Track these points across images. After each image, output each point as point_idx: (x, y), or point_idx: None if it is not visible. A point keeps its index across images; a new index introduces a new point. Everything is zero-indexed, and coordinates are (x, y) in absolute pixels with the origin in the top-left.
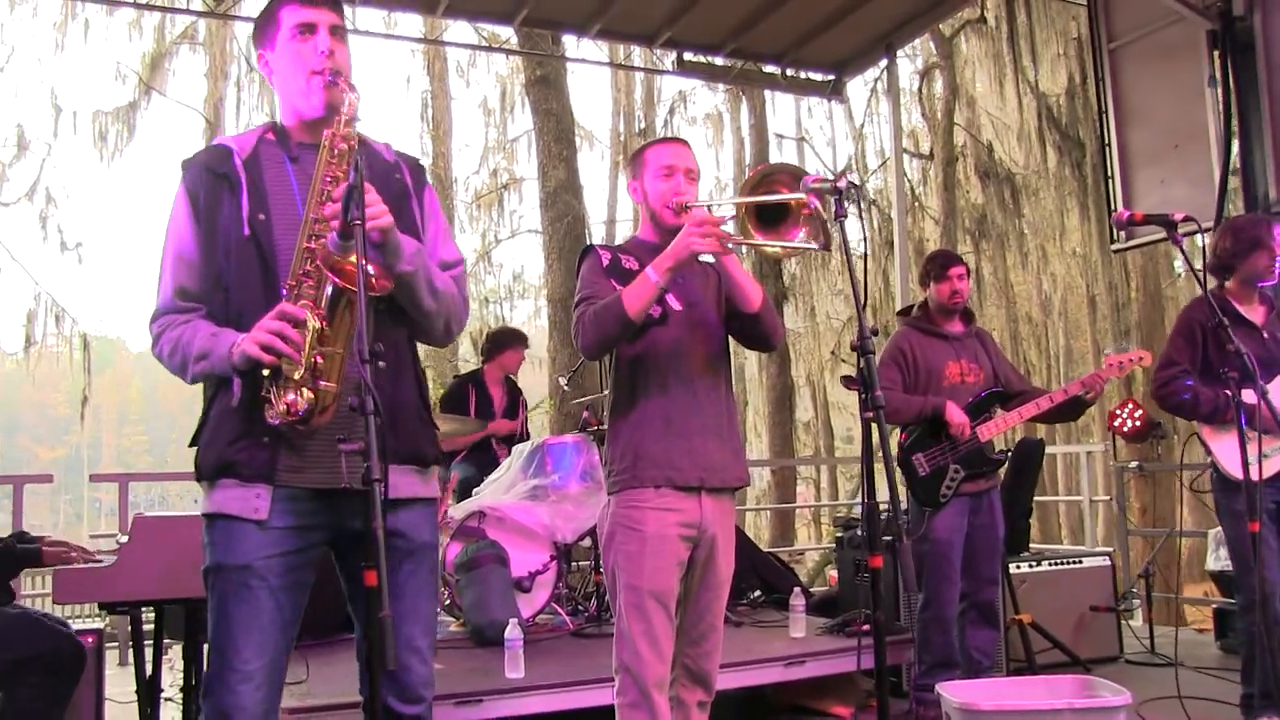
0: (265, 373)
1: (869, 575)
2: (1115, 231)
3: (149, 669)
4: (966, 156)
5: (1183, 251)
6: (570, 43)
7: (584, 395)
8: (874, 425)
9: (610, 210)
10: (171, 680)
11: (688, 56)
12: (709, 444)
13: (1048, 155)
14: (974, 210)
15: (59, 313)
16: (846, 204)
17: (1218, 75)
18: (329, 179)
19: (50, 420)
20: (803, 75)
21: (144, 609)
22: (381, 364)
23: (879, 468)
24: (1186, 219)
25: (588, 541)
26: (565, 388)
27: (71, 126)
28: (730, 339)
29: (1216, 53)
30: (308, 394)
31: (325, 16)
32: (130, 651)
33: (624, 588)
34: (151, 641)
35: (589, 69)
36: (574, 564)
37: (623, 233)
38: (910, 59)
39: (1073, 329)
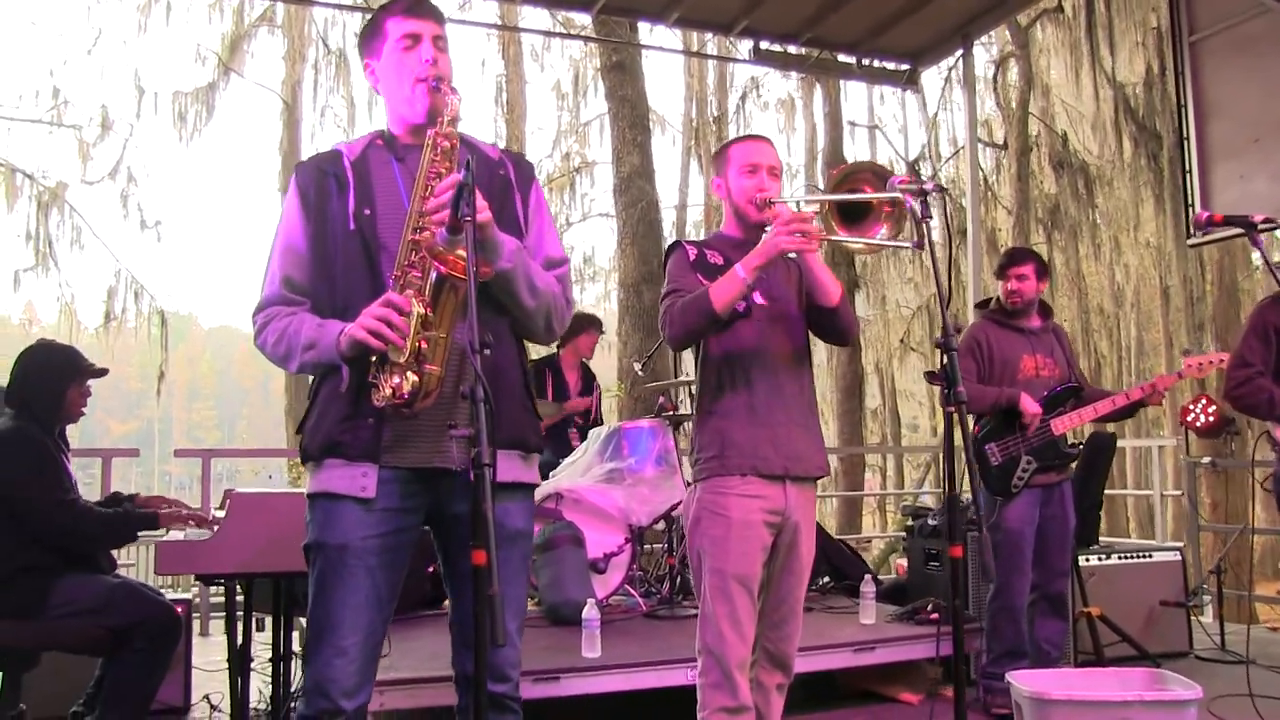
0: (373, 359)
1: (949, 564)
2: (1192, 225)
3: (239, 640)
4: (1040, 146)
5: (1262, 252)
6: (643, 29)
7: (656, 380)
8: (955, 419)
9: (681, 195)
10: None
11: (764, 45)
12: (793, 434)
13: (1123, 146)
14: (1047, 200)
15: (138, 289)
16: (931, 205)
17: None
18: (432, 174)
19: (123, 394)
20: (878, 65)
21: (236, 582)
22: (487, 351)
23: (960, 461)
24: (1266, 220)
25: (661, 525)
26: (640, 372)
27: (153, 107)
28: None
29: None
30: (412, 377)
31: (429, 27)
32: (208, 622)
33: (709, 571)
34: (241, 613)
35: (658, 54)
36: (647, 546)
37: (693, 218)
38: (985, 48)
39: (1145, 321)
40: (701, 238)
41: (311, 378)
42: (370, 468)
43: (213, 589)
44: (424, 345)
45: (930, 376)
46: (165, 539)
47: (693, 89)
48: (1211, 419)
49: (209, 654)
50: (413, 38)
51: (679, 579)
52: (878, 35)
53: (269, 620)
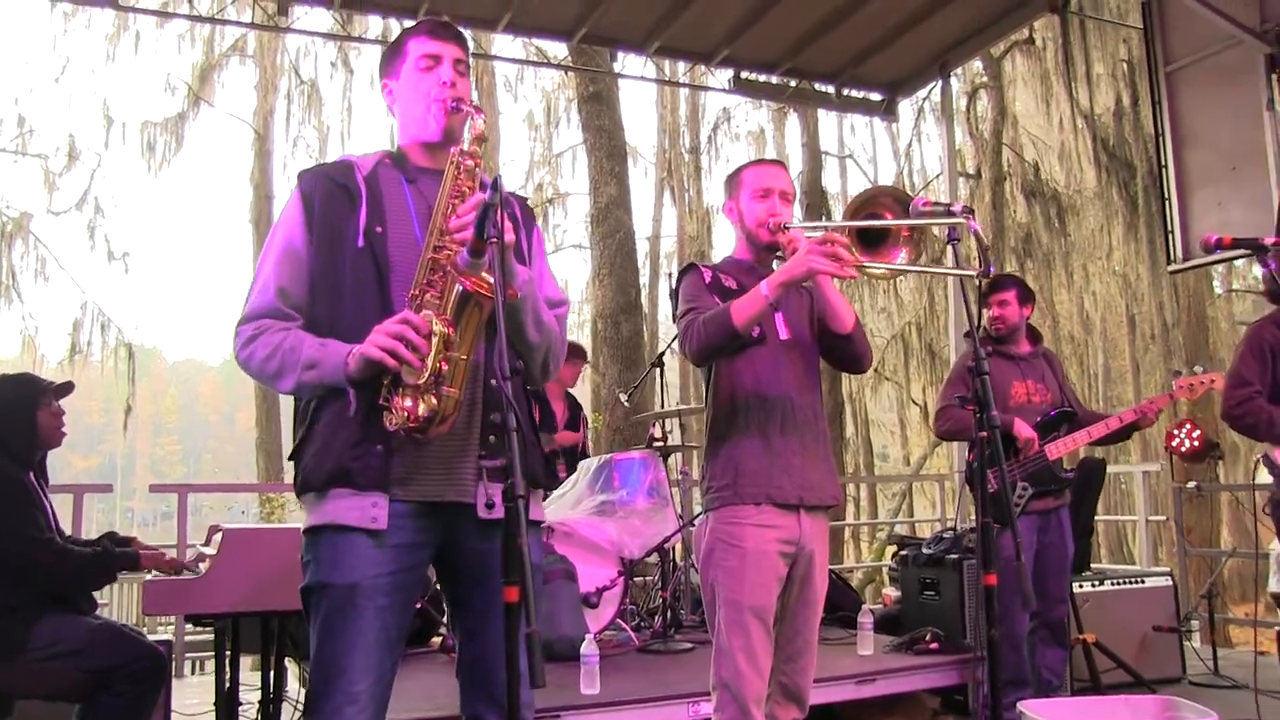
0: (386, 380)
1: (982, 593)
2: (1172, 252)
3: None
4: (1013, 176)
5: (1274, 275)
6: (618, 59)
7: (640, 410)
8: (987, 445)
9: (655, 226)
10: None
11: (744, 75)
12: (806, 462)
13: (1094, 176)
14: (1019, 229)
15: (104, 322)
16: (958, 229)
17: (1276, 98)
18: (455, 193)
19: (86, 428)
20: (856, 94)
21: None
22: (493, 382)
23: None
24: (1277, 243)
25: (654, 557)
26: (625, 403)
27: (121, 136)
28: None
29: (1275, 75)
30: (431, 400)
31: (450, 50)
32: (183, 664)
33: (724, 604)
34: (229, 654)
35: (629, 85)
36: (638, 579)
37: (665, 249)
38: (958, 79)
39: (1111, 348)
40: (713, 261)
41: (303, 402)
42: (380, 498)
43: (189, 629)
44: (444, 366)
45: (962, 401)
46: (152, 579)
47: (665, 120)
48: (1196, 444)
49: (186, 697)
50: (433, 58)
51: (671, 613)
52: (856, 65)
53: (247, 662)
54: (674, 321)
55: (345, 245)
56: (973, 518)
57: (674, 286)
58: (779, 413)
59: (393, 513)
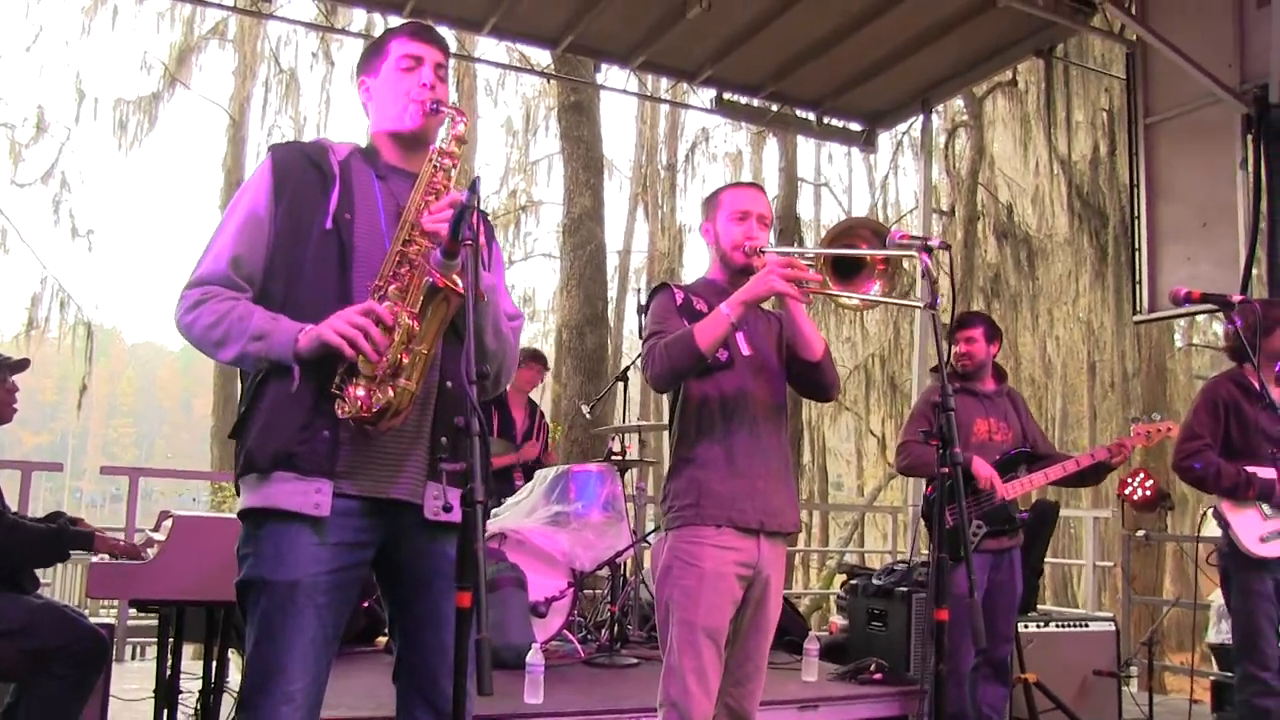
0: (341, 368)
1: (934, 627)
2: (1139, 303)
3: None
4: (986, 216)
5: (1239, 332)
6: (601, 71)
7: (601, 423)
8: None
9: (626, 240)
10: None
11: (726, 95)
12: (770, 487)
13: (1067, 222)
14: (989, 269)
15: (64, 299)
16: (933, 263)
17: (1249, 158)
18: (429, 191)
19: (39, 405)
20: (837, 123)
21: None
22: (449, 384)
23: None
24: (1244, 300)
25: (604, 571)
26: (587, 415)
27: (93, 112)
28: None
29: (1250, 136)
30: (387, 392)
31: (432, 54)
32: (123, 648)
33: (678, 622)
34: (171, 642)
35: (608, 98)
36: (586, 591)
37: (635, 264)
38: (939, 115)
39: (1070, 393)
40: (687, 282)
41: (249, 377)
42: (325, 484)
43: (131, 615)
44: (404, 359)
45: (926, 436)
46: (99, 561)
47: (644, 136)
48: (1149, 493)
49: (125, 681)
50: (415, 59)
51: (618, 627)
52: (839, 94)
53: (188, 650)
54: (638, 338)
55: (313, 225)
56: (925, 552)
57: (644, 304)
58: (745, 436)
59: (335, 509)
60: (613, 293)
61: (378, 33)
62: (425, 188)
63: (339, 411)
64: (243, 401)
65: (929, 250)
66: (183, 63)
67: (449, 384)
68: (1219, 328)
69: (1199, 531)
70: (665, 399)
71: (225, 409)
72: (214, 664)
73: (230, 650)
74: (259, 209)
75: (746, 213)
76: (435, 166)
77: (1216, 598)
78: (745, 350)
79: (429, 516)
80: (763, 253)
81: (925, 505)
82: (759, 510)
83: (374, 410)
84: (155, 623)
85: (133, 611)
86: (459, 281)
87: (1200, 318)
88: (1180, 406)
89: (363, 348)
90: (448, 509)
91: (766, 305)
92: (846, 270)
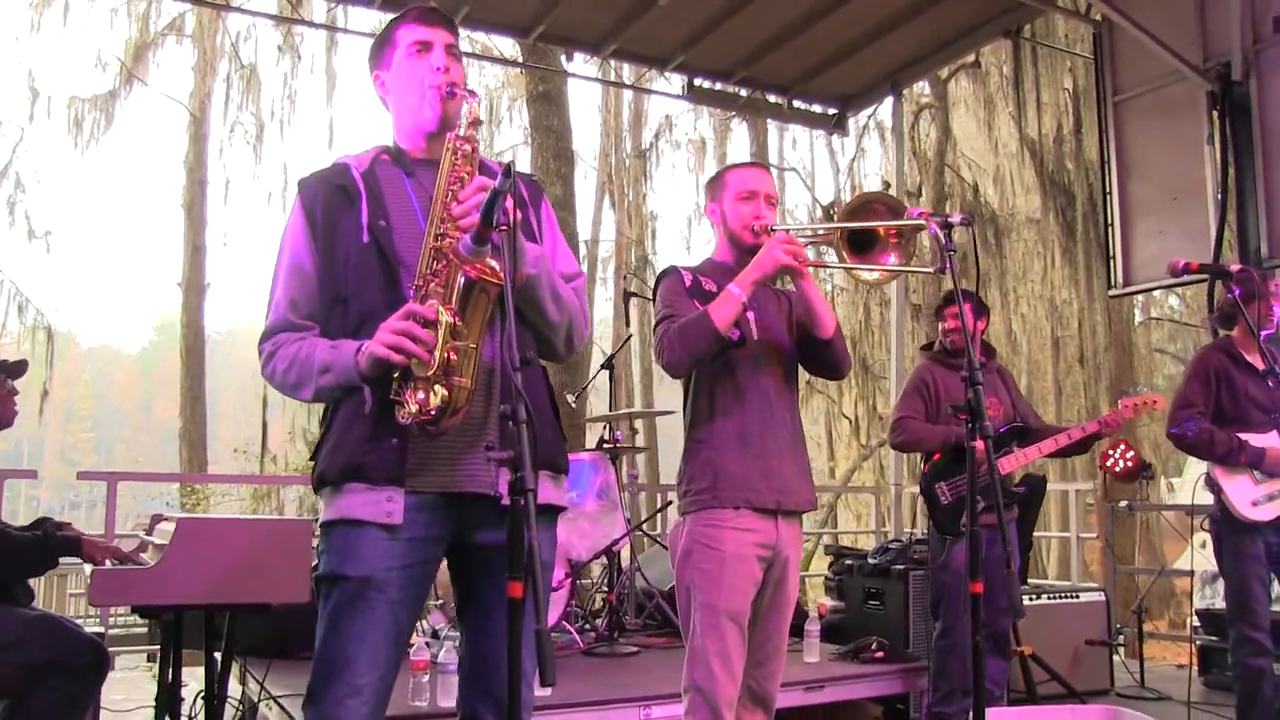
0: (395, 375)
1: (970, 600)
2: (1113, 277)
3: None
4: (953, 196)
5: (1235, 299)
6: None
7: (583, 413)
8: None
9: (594, 230)
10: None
11: (698, 82)
12: (784, 466)
13: (1033, 200)
14: (957, 249)
15: (22, 302)
16: (955, 238)
17: (1216, 134)
18: (454, 180)
19: None
20: (807, 107)
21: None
22: (529, 366)
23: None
24: (1243, 269)
25: (600, 560)
26: (573, 404)
27: (46, 111)
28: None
29: (1215, 112)
30: (441, 391)
31: (441, 36)
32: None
33: (700, 606)
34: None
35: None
36: (582, 581)
37: (603, 254)
38: (905, 98)
39: (1035, 370)
40: (694, 264)
41: (327, 405)
42: (395, 492)
43: (113, 621)
44: (453, 356)
45: (956, 410)
46: (107, 567)
47: (609, 124)
48: (1130, 464)
49: (111, 692)
50: (424, 45)
51: (616, 616)
52: (810, 78)
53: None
54: (625, 326)
55: (349, 244)
56: (917, 529)
57: (630, 293)
58: (758, 416)
59: (408, 505)
60: None
61: (344, 24)
62: (449, 177)
63: (400, 417)
64: (324, 423)
65: (949, 226)
66: (140, 59)
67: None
68: (1175, 301)
69: (1193, 499)
70: (663, 383)
71: (193, 411)
72: (214, 671)
73: (234, 657)
74: (300, 256)
75: (754, 192)
76: (455, 153)
77: (1201, 564)
78: (757, 330)
79: (505, 504)
80: (772, 231)
81: (925, 481)
82: (775, 490)
83: (434, 411)
84: (139, 630)
85: (113, 618)
86: (496, 268)
87: (1157, 292)
88: (1144, 379)
89: (411, 350)
90: (499, 498)
91: (777, 284)
92: (861, 245)
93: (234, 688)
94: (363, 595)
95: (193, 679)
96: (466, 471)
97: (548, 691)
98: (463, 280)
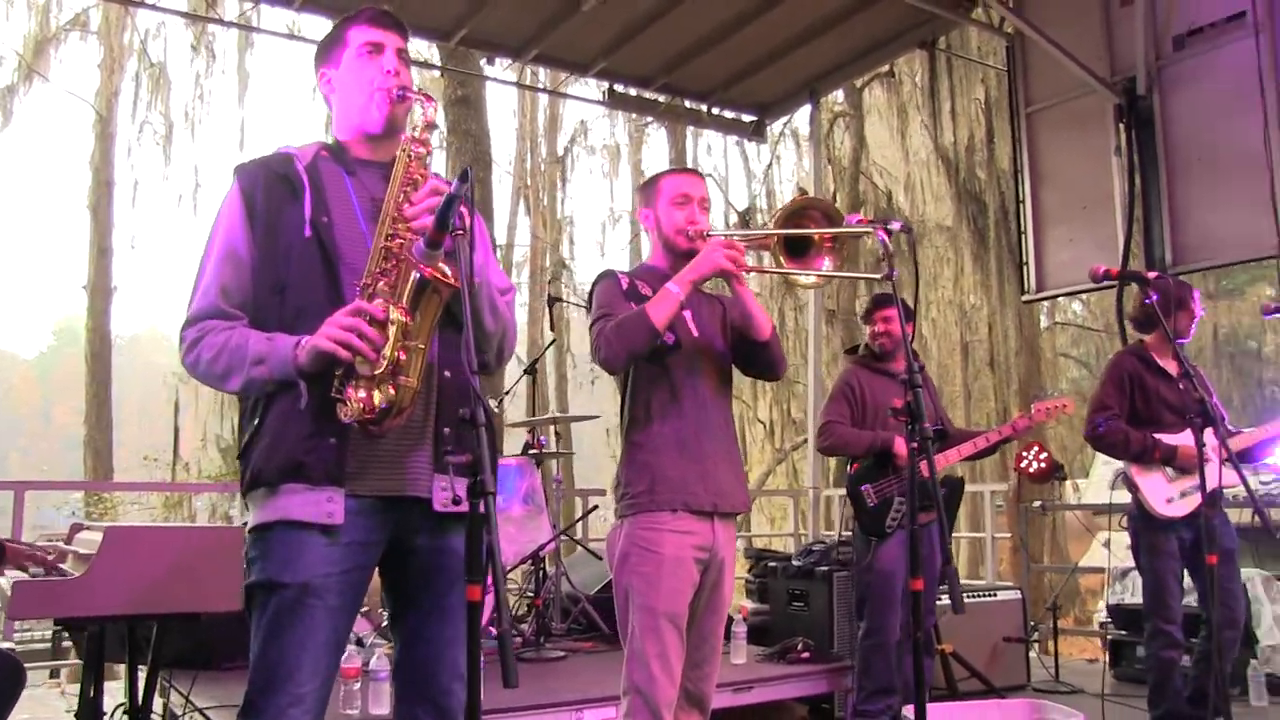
0: (338, 371)
1: (909, 597)
2: (1026, 284)
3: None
4: (868, 203)
5: (1153, 304)
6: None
7: (503, 418)
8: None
9: (510, 234)
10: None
11: (618, 88)
12: (720, 468)
13: (945, 208)
14: (871, 256)
15: None
16: (892, 244)
17: (1123, 146)
18: (407, 181)
19: None
20: (727, 114)
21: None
22: (448, 374)
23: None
24: (1160, 276)
25: (527, 565)
26: (496, 410)
27: None
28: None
29: (1122, 125)
30: (388, 390)
31: (393, 39)
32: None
33: (639, 609)
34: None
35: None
36: (509, 587)
37: (517, 258)
38: (821, 106)
39: (945, 374)
40: (630, 268)
41: (250, 400)
42: (336, 492)
43: (19, 634)
44: (402, 356)
45: (895, 413)
46: (23, 579)
47: (524, 129)
48: (1044, 465)
49: (17, 712)
50: (376, 46)
51: (542, 621)
52: (729, 86)
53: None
54: (550, 330)
55: (291, 237)
56: (834, 531)
57: (553, 298)
58: (694, 420)
59: (349, 509)
60: None
61: (257, 24)
62: (402, 179)
63: (342, 416)
64: (248, 421)
65: (889, 231)
66: (40, 54)
67: (447, 374)
68: (1078, 307)
69: (1110, 499)
70: (581, 389)
71: (98, 418)
72: (135, 684)
73: (160, 671)
74: (235, 240)
75: (687, 197)
76: (410, 156)
77: (1110, 561)
78: (693, 333)
79: (437, 508)
80: (706, 236)
81: (850, 483)
82: (711, 492)
83: (378, 410)
84: (43, 647)
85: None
86: (448, 271)
87: (1061, 299)
88: (1050, 383)
89: (358, 347)
90: (456, 501)
91: (711, 289)
92: (798, 250)
93: (159, 701)
94: (302, 602)
95: (107, 693)
96: (405, 475)
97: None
98: (416, 278)
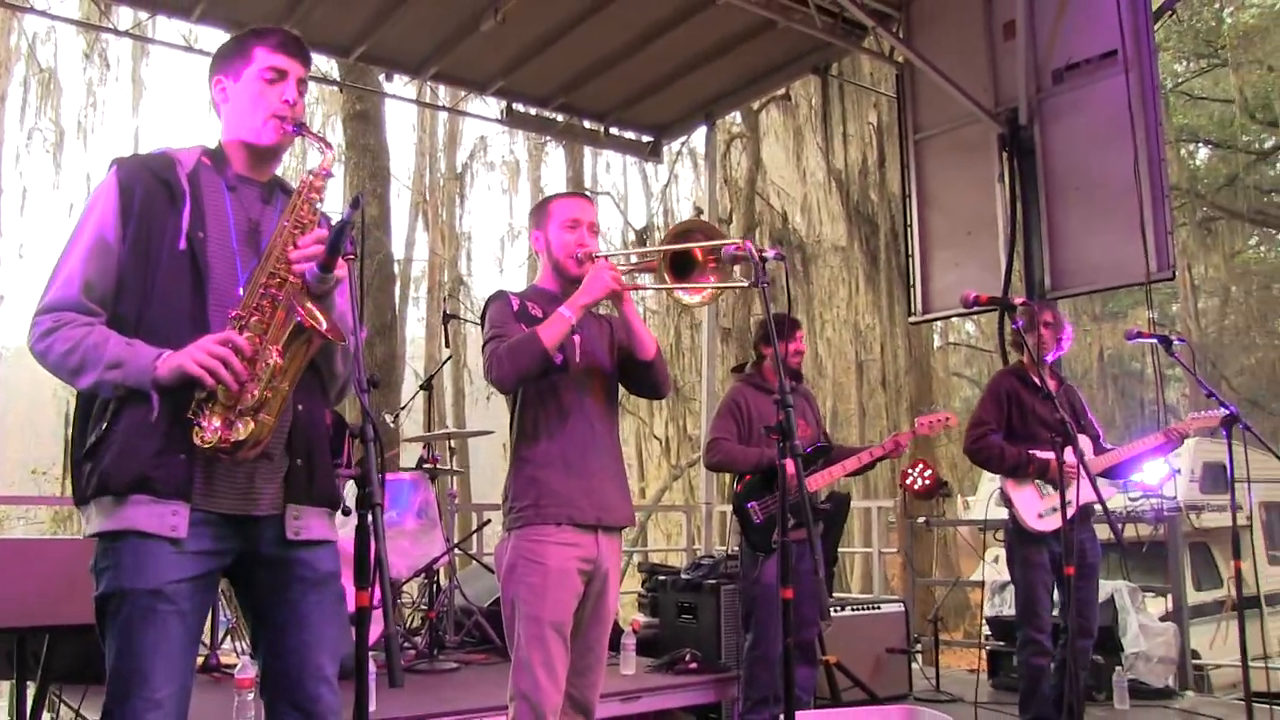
0: (200, 395)
1: (783, 603)
2: (913, 305)
3: None
4: (764, 224)
5: (1018, 329)
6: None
7: (399, 433)
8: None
9: (407, 249)
10: None
11: (516, 107)
12: (605, 484)
13: (839, 229)
14: (765, 275)
15: None
16: (768, 271)
17: (1005, 174)
18: (296, 225)
19: None
20: (623, 134)
21: None
22: (301, 408)
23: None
24: (1024, 302)
25: (421, 578)
26: (391, 425)
27: None
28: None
29: (1005, 154)
30: (248, 424)
31: (297, 69)
32: None
33: (525, 618)
34: None
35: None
36: (402, 600)
37: (415, 273)
38: (718, 128)
39: (839, 392)
40: (520, 289)
41: (97, 403)
42: (181, 506)
43: None
44: (268, 395)
45: (768, 431)
46: None
47: (424, 144)
48: (928, 482)
49: None
50: (280, 73)
51: (435, 633)
52: (626, 107)
53: None
54: (445, 346)
55: (164, 245)
56: (727, 546)
57: (448, 315)
58: (581, 437)
59: (194, 520)
60: (395, 301)
61: (153, 34)
62: (293, 221)
63: (196, 440)
64: (94, 425)
65: (764, 260)
66: None
67: (300, 408)
68: (971, 327)
69: (986, 515)
70: (477, 405)
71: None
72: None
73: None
74: (107, 231)
75: (577, 221)
76: (304, 199)
77: (992, 576)
78: (580, 354)
79: (289, 537)
80: (595, 259)
81: (737, 500)
82: (596, 507)
83: (233, 443)
84: None
85: None
86: (323, 321)
87: (954, 320)
88: (942, 401)
89: (223, 378)
90: (347, 513)
91: (600, 309)
92: (683, 269)
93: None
94: (154, 608)
95: None
96: (255, 497)
97: (373, 707)
98: (296, 323)
